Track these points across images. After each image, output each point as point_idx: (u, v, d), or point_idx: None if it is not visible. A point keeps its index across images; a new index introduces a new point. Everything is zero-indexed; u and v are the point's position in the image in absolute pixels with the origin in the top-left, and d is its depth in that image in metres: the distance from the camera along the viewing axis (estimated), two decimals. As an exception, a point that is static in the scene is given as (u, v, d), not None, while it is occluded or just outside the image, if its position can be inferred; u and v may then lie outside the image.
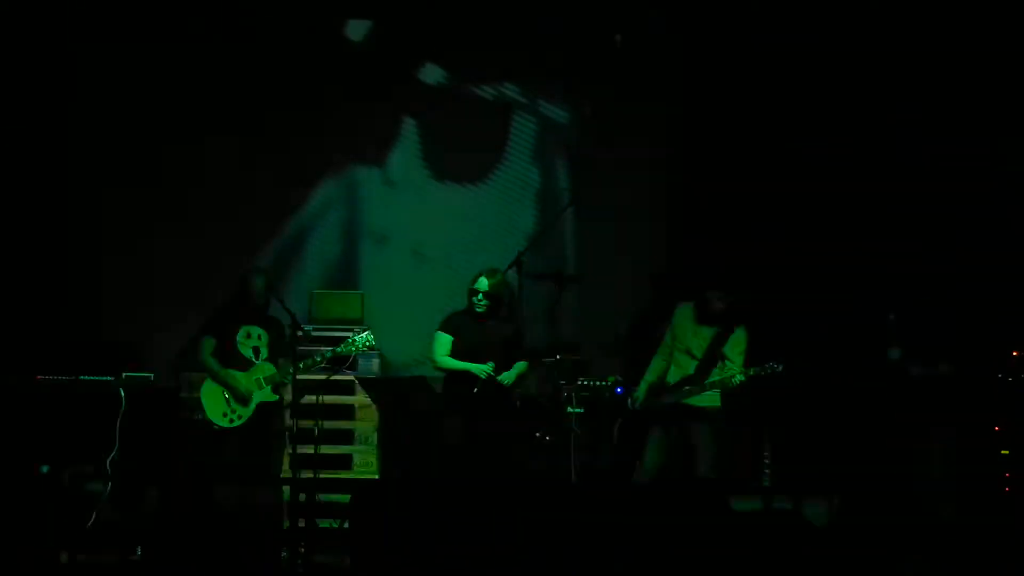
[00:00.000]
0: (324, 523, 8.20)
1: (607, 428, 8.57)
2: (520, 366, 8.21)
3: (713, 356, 7.97)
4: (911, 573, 7.24)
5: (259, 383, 8.09)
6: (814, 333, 9.00)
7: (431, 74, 10.26)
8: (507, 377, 8.11)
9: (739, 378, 7.83)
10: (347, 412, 9.24)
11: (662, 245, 10.02)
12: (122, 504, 8.31)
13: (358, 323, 9.31)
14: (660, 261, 9.92)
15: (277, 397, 8.16)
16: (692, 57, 9.96)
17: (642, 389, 8.16)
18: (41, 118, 9.69)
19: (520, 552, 7.57)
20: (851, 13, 9.47)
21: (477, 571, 7.38)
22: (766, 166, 9.48)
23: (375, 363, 9.35)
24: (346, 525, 7.70)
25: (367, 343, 8.17)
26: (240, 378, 8.09)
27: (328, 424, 8.57)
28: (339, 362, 8.32)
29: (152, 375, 8.79)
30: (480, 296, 8.15)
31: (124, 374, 8.66)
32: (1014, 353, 8.52)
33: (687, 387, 7.98)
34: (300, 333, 8.06)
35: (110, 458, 8.43)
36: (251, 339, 8.18)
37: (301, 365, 7.92)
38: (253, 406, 8.09)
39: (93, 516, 8.23)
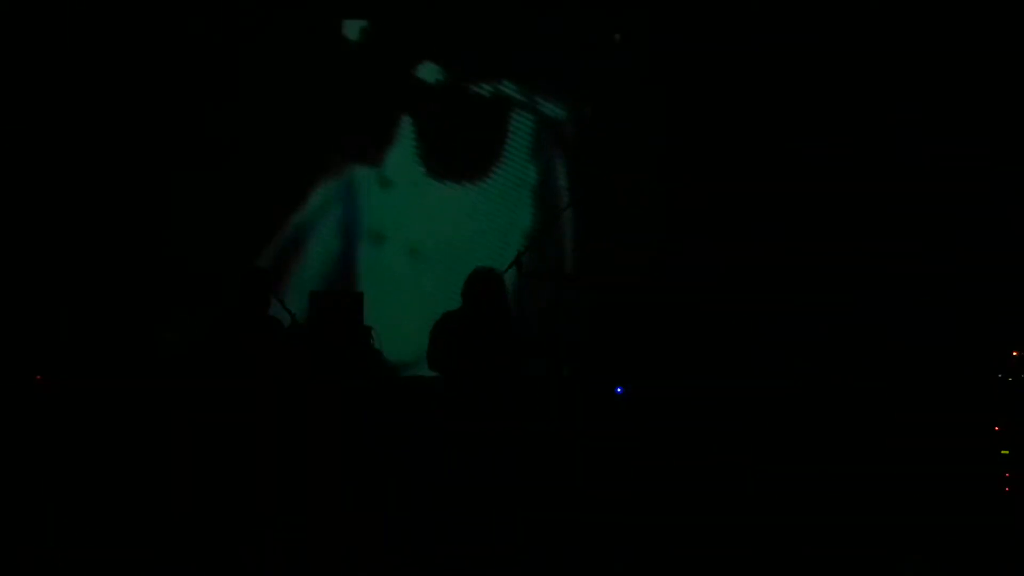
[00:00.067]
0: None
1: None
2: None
3: None
4: (911, 573, 7.25)
5: (259, 383, 8.10)
6: (814, 333, 9.01)
7: (428, 72, 10.24)
8: None
9: None
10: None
11: (662, 245, 10.01)
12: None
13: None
14: (659, 261, 9.91)
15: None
16: (692, 56, 9.95)
17: None
18: (39, 119, 9.67)
19: (520, 552, 7.60)
20: (851, 13, 9.47)
21: (477, 571, 7.40)
22: (765, 166, 9.49)
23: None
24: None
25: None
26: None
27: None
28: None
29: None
30: (473, 296, 8.18)
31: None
32: (1014, 353, 8.53)
33: None
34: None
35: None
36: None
37: (301, 365, 7.95)
38: (253, 406, 8.09)
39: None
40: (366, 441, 8.18)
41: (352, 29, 10.22)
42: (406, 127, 10.27)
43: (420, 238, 10.22)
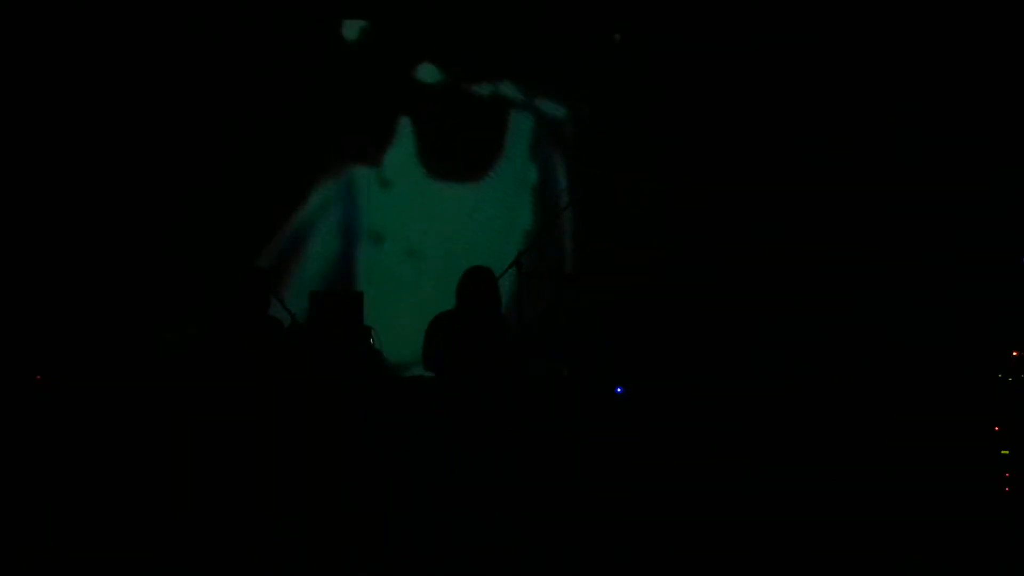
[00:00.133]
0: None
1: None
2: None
3: None
4: (911, 573, 7.25)
5: (259, 383, 8.10)
6: (814, 333, 9.02)
7: (428, 73, 10.24)
8: None
9: None
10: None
11: (662, 245, 10.01)
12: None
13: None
14: (659, 261, 9.91)
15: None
16: (692, 56, 9.95)
17: None
18: (38, 119, 9.67)
19: (520, 552, 7.59)
20: (851, 12, 9.48)
21: (477, 571, 7.40)
22: (765, 166, 9.49)
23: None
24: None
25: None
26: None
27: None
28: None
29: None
30: (465, 296, 8.19)
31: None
32: (1014, 353, 8.54)
33: None
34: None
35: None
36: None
37: (301, 365, 7.95)
38: (253, 406, 8.09)
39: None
40: (366, 441, 8.17)
41: (352, 29, 10.22)
42: (406, 127, 10.27)
43: (420, 238, 10.22)
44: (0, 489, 8.12)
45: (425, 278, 10.07)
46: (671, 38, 10.04)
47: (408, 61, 10.22)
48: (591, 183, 10.02)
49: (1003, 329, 8.69)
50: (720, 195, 9.57)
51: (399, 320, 9.58)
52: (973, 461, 8.35)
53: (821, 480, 8.28)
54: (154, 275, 9.67)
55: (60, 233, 9.64)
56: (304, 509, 7.85)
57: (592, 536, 7.75)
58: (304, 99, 9.99)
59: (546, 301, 9.00)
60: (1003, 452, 8.40)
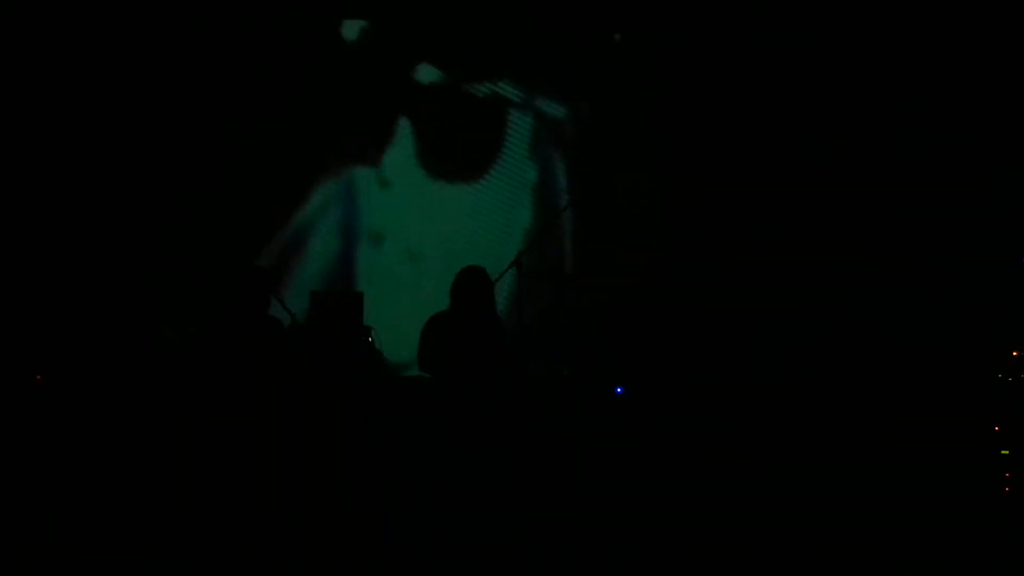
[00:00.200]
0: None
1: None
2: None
3: None
4: (911, 573, 7.25)
5: (259, 383, 8.10)
6: (814, 333, 9.02)
7: (427, 73, 10.24)
8: None
9: None
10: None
11: (662, 245, 10.02)
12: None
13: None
14: (659, 261, 9.91)
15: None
16: (692, 56, 9.95)
17: None
18: (38, 119, 9.67)
19: (520, 552, 7.59)
20: (851, 12, 9.48)
21: (477, 571, 7.40)
22: (765, 166, 9.50)
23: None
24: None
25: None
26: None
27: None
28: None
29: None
30: (459, 296, 8.19)
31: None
32: (1014, 353, 8.54)
33: None
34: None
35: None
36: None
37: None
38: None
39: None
40: (366, 441, 8.18)
41: (352, 29, 10.22)
42: (405, 127, 10.27)
43: (419, 238, 10.22)
44: (0, 489, 8.12)
45: (425, 278, 10.07)
46: (671, 38, 10.04)
47: (408, 61, 10.22)
48: (591, 183, 10.03)
49: (1003, 329, 8.70)
50: (720, 195, 9.57)
51: (399, 320, 9.58)
52: (973, 461, 8.35)
53: (821, 480, 8.27)
54: (154, 275, 9.68)
55: (60, 233, 9.65)
56: (304, 509, 7.85)
57: (592, 536, 7.75)
58: (304, 99, 9.99)
59: (546, 301, 9.01)
60: (1003, 452, 8.41)
